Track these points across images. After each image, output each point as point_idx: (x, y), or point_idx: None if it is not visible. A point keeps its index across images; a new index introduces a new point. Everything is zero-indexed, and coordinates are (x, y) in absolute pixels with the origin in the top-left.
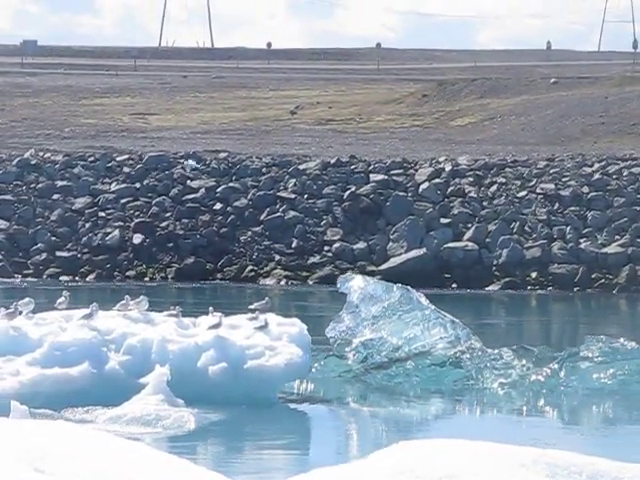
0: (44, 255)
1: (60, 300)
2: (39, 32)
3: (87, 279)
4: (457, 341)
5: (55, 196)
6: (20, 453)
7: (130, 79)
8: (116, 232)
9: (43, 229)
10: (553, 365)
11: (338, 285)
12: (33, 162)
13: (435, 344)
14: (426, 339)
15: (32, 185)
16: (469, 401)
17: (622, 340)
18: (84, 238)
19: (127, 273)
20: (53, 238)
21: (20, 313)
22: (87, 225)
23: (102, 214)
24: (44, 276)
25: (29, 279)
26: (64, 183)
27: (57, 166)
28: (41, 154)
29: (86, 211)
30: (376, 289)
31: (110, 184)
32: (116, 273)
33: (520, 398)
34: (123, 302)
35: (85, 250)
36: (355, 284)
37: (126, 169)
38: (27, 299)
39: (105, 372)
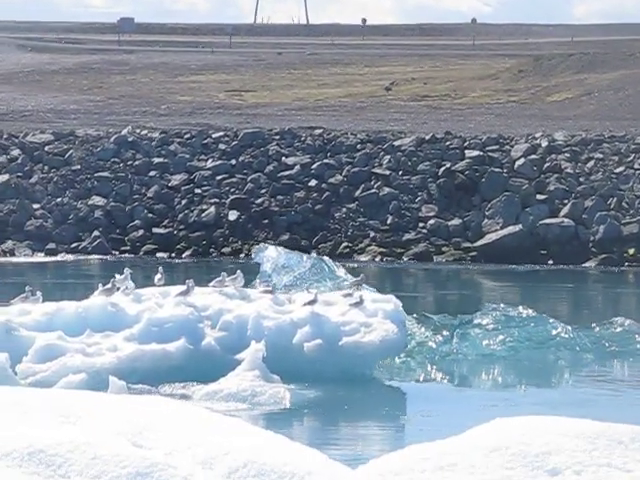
0: (141, 232)
1: (157, 277)
2: (135, 9)
3: (183, 256)
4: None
5: (152, 173)
6: (118, 428)
7: (225, 56)
8: (212, 209)
9: (140, 206)
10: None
11: (252, 256)
12: (130, 139)
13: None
14: None
15: (129, 162)
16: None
17: None
18: (180, 215)
19: (223, 250)
20: (150, 215)
21: (118, 289)
22: (183, 202)
23: (198, 191)
24: (141, 253)
25: (126, 255)
26: (160, 160)
27: (154, 143)
28: (138, 131)
29: (182, 188)
30: (288, 259)
31: (206, 161)
32: (212, 250)
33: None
34: (219, 279)
35: (181, 227)
36: (268, 254)
37: (222, 146)
38: (124, 275)
39: (201, 348)
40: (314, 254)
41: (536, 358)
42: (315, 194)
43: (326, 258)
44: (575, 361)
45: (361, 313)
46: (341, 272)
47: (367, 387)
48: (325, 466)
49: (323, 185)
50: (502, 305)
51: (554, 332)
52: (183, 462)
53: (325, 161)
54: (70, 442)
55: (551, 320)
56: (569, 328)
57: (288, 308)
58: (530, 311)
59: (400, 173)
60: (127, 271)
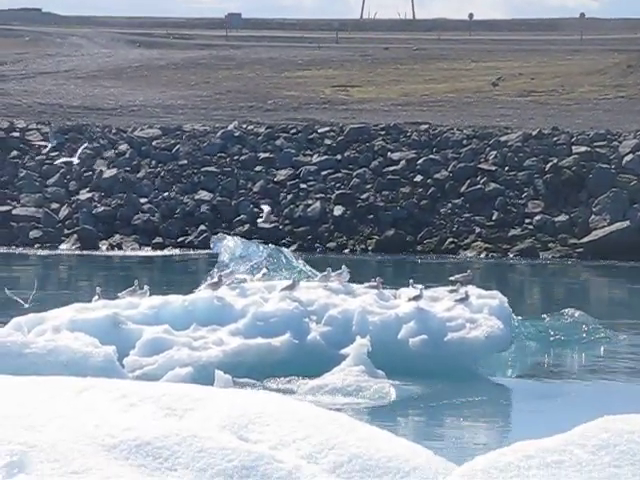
0: (246, 226)
1: (263, 271)
2: (242, 5)
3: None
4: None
5: (258, 168)
6: (224, 421)
7: (332, 51)
8: (317, 204)
9: (246, 200)
10: None
11: (211, 245)
12: (236, 134)
13: None
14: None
15: (235, 157)
16: None
17: None
18: (286, 210)
19: (328, 245)
20: (255, 209)
21: (223, 283)
22: (289, 197)
23: (303, 186)
24: None
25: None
26: (266, 155)
27: (260, 138)
28: (244, 126)
29: (288, 183)
30: (245, 249)
31: (311, 156)
32: (317, 244)
33: None
34: (324, 273)
35: (287, 222)
36: (226, 244)
37: (327, 141)
38: (229, 269)
39: (306, 343)
40: (262, 245)
41: None
42: (420, 189)
43: (284, 249)
44: None
45: (466, 309)
46: (298, 263)
47: (472, 383)
48: (430, 462)
49: (428, 180)
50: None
51: None
52: (288, 456)
53: (431, 156)
54: (177, 435)
55: None
56: None
57: (393, 303)
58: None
59: (506, 169)
60: (233, 266)
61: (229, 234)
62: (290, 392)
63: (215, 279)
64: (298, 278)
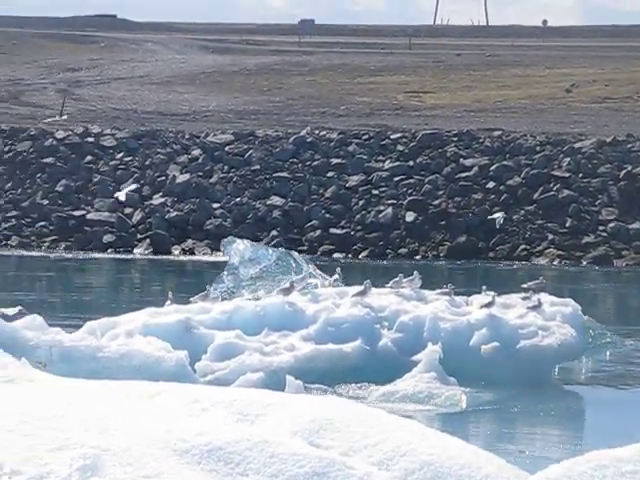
0: (318, 232)
1: (334, 277)
2: (314, 11)
3: (360, 256)
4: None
5: (330, 173)
6: (296, 427)
7: (405, 57)
8: (389, 210)
9: (317, 206)
10: None
11: (221, 248)
12: (309, 140)
13: None
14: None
15: (307, 162)
16: None
17: None
18: (357, 215)
19: (399, 251)
20: (327, 215)
21: (295, 289)
22: (360, 202)
23: (375, 192)
24: (318, 253)
25: (303, 255)
26: (338, 161)
27: (332, 144)
28: (317, 132)
29: (360, 189)
30: (254, 252)
31: (384, 162)
32: (388, 250)
33: None
34: (396, 279)
35: (358, 227)
36: (235, 247)
37: (400, 147)
38: (302, 275)
39: (378, 349)
40: (271, 249)
41: None
42: (493, 196)
43: (294, 252)
44: None
45: (539, 316)
46: (309, 267)
47: (544, 391)
48: (502, 470)
49: (501, 187)
50: None
51: None
52: (359, 463)
53: (504, 163)
54: (248, 440)
55: None
56: None
57: (465, 310)
58: None
59: (580, 176)
60: (305, 271)
61: (301, 240)
62: (361, 398)
63: (286, 285)
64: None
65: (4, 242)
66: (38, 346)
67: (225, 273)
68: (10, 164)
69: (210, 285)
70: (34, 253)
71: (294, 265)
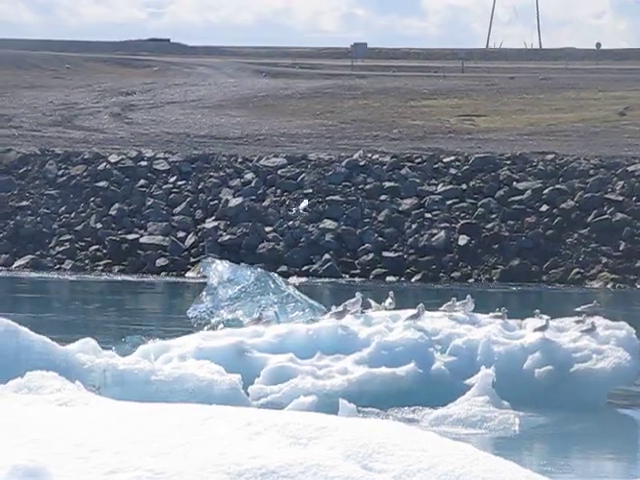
0: (371, 255)
1: (388, 301)
2: (367, 35)
3: (412, 280)
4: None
5: (382, 197)
6: (349, 450)
7: (457, 80)
8: (442, 233)
9: (370, 229)
10: None
11: (200, 269)
12: (362, 163)
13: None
14: (282, 321)
15: (360, 186)
16: None
17: None
18: (410, 239)
19: (452, 274)
20: (380, 238)
21: (348, 312)
22: (413, 226)
23: (428, 215)
24: (370, 276)
25: (356, 279)
26: (391, 184)
27: (385, 167)
28: (369, 155)
29: (412, 212)
30: (233, 272)
31: (436, 185)
32: (441, 274)
33: None
34: (449, 303)
35: (411, 251)
36: (214, 267)
37: (452, 170)
38: (355, 299)
39: (431, 372)
40: (250, 269)
41: None
42: (546, 219)
43: (273, 274)
44: None
45: (593, 340)
46: (287, 288)
47: (599, 415)
48: None
49: (554, 210)
50: None
51: None
52: None
53: (557, 186)
54: (301, 464)
55: None
56: None
57: (518, 333)
58: None
59: (634, 199)
60: (358, 295)
61: (353, 263)
62: (414, 422)
63: (340, 308)
64: (285, 302)
65: (58, 266)
66: (92, 369)
67: (204, 293)
68: (64, 188)
69: (191, 305)
70: (88, 277)
71: (272, 286)
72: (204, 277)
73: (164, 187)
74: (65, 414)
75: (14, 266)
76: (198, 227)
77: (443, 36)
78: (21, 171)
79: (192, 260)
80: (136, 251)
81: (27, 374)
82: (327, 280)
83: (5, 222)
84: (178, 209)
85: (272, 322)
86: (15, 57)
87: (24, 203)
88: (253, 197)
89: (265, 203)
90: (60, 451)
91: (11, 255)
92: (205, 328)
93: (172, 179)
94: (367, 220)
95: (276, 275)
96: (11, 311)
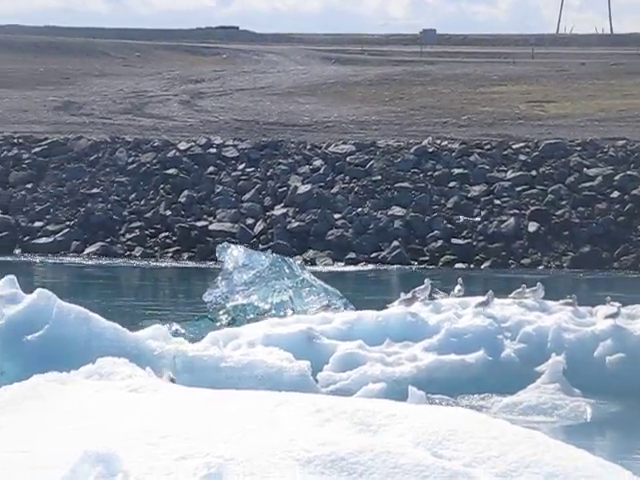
0: (440, 242)
1: (457, 287)
2: (435, 21)
3: (481, 267)
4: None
5: (451, 184)
6: (418, 437)
7: (527, 66)
8: (511, 220)
9: (439, 216)
10: None
11: (217, 254)
12: (430, 150)
13: (306, 310)
14: (297, 306)
15: (429, 172)
16: None
17: None
18: (479, 226)
19: (522, 261)
20: (449, 225)
21: (417, 299)
22: (482, 213)
23: (497, 202)
24: (439, 263)
25: (425, 266)
26: (460, 171)
27: (454, 154)
28: (438, 142)
29: (481, 199)
30: (248, 257)
31: (506, 172)
32: (511, 261)
33: None
34: (519, 290)
35: (480, 238)
36: (230, 253)
37: (522, 157)
38: (424, 285)
39: (501, 360)
40: (264, 254)
41: None
42: (617, 206)
43: (288, 258)
44: None
45: None
46: (302, 272)
47: None
48: None
49: (625, 197)
50: None
51: None
52: (483, 474)
53: (628, 172)
54: (371, 451)
55: None
56: None
57: (589, 321)
58: None
59: None
60: (427, 282)
61: (422, 250)
62: (484, 409)
63: (409, 295)
64: (300, 287)
65: (128, 253)
66: (162, 356)
67: (219, 278)
68: (134, 175)
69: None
70: (157, 263)
71: (287, 271)
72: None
73: (233, 174)
74: (135, 400)
75: (84, 253)
76: (267, 214)
77: (513, 22)
78: (91, 158)
79: (261, 247)
80: (205, 238)
81: (98, 360)
82: (396, 267)
83: (76, 209)
84: (247, 196)
85: (341, 309)
86: (85, 45)
87: (94, 190)
88: (322, 184)
89: (334, 190)
90: (130, 437)
91: (82, 242)
92: (220, 312)
93: (241, 166)
94: (436, 207)
95: (291, 260)
96: (82, 298)
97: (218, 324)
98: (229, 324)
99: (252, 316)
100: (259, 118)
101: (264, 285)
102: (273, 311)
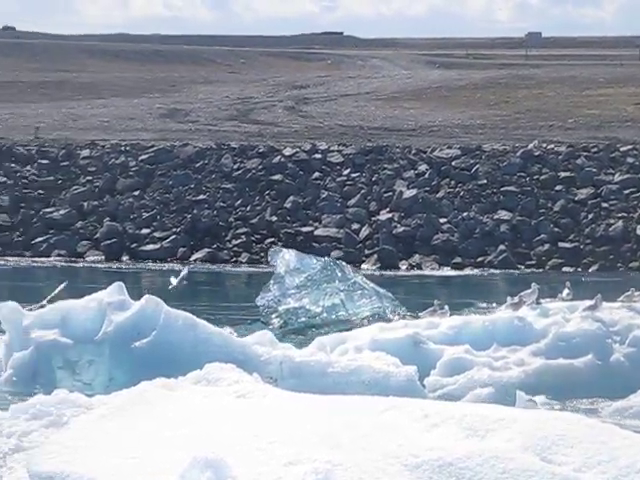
0: (546, 246)
1: (565, 291)
2: (542, 23)
3: (589, 270)
4: (381, 311)
5: (558, 187)
6: (527, 442)
7: (635, 69)
8: (619, 223)
9: (546, 220)
10: None
11: (269, 258)
12: (536, 153)
13: (357, 313)
14: (349, 309)
15: (535, 176)
16: None
17: None
18: (587, 229)
19: (630, 264)
20: (555, 229)
21: (524, 303)
22: (589, 216)
23: (605, 205)
24: (546, 267)
25: (531, 270)
26: (567, 174)
27: (560, 157)
28: (544, 145)
29: (589, 202)
30: (299, 261)
31: (613, 175)
32: (619, 264)
33: None
34: (628, 293)
35: (587, 241)
36: (282, 256)
37: (629, 159)
38: (531, 290)
39: (610, 364)
40: (315, 258)
41: None
42: None
43: (340, 262)
44: None
45: None
46: (355, 276)
47: None
48: None
49: None
50: None
51: None
52: (593, 479)
53: None
54: (479, 456)
55: None
56: None
57: None
58: None
59: None
60: (534, 286)
61: (529, 254)
62: (593, 413)
63: (516, 299)
64: (351, 290)
65: (234, 259)
66: (269, 362)
67: (271, 282)
68: (239, 181)
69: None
70: (263, 269)
71: (339, 274)
72: (381, 269)
73: (338, 179)
74: (243, 406)
75: (191, 259)
76: (372, 219)
77: (619, 23)
78: (198, 165)
79: (367, 252)
80: (311, 243)
81: (205, 366)
82: (502, 271)
83: (182, 216)
84: (352, 201)
85: (447, 314)
86: (191, 53)
87: (201, 197)
88: (427, 188)
89: (439, 194)
90: (238, 443)
91: (188, 249)
92: (272, 316)
93: (346, 171)
94: (542, 210)
95: (344, 263)
96: (189, 304)
97: (270, 327)
98: (281, 327)
99: (304, 319)
100: (364, 123)
101: (315, 288)
102: (325, 314)
